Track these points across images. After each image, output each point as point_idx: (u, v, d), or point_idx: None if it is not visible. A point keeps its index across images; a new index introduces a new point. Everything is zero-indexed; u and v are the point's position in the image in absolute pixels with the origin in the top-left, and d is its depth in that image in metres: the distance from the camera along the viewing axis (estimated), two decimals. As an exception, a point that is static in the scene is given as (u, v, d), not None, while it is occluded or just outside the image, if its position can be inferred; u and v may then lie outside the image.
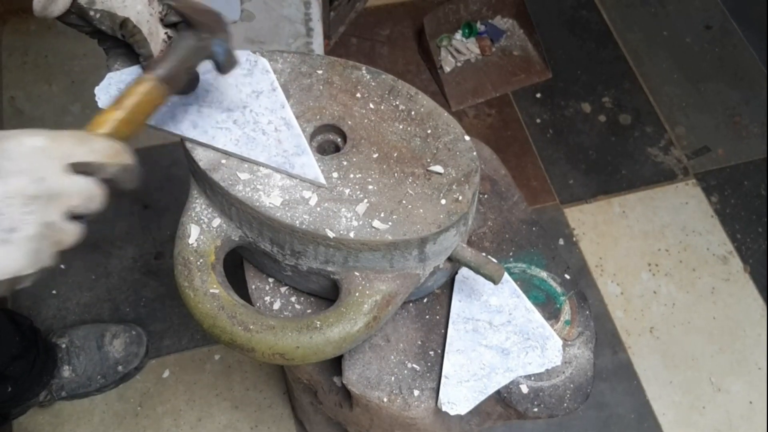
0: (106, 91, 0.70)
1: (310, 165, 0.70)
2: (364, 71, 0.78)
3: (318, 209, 0.67)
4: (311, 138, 0.73)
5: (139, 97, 0.58)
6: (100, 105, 0.69)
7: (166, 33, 0.67)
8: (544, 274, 0.83)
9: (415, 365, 0.76)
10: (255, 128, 0.72)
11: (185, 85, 0.67)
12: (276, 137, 0.71)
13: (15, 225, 0.45)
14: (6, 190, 0.45)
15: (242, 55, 0.75)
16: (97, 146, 0.51)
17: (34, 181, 0.46)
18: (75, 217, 0.50)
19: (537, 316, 0.78)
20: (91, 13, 0.63)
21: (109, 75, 0.71)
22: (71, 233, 0.50)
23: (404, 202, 0.68)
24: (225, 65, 0.66)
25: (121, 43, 0.68)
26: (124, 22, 0.63)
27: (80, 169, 0.49)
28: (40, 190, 0.47)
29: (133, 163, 0.53)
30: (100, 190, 0.51)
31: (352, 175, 0.70)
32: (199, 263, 0.68)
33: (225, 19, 0.65)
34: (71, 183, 0.48)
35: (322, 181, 0.69)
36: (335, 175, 0.70)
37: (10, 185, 0.45)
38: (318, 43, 1.73)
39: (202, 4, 0.64)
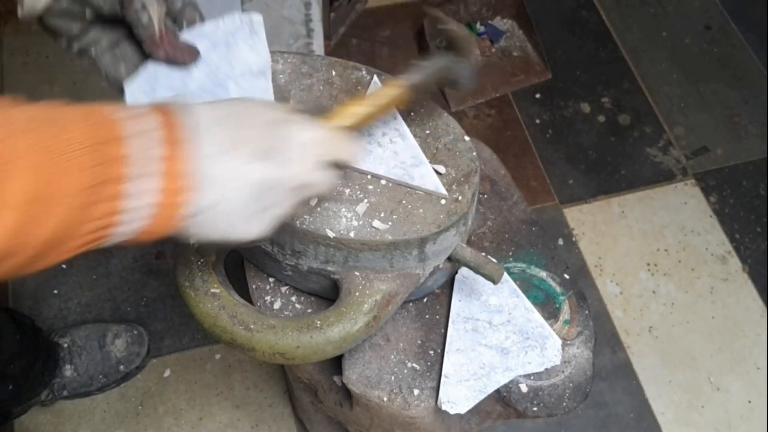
0: (134, 91, 0.69)
1: (429, 176, 0.69)
2: (364, 72, 0.79)
3: (318, 209, 0.67)
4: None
5: (388, 99, 0.64)
6: (128, 99, 0.69)
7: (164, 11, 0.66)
8: (543, 274, 0.83)
9: (415, 364, 0.76)
10: (370, 141, 0.71)
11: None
12: (392, 149, 0.71)
13: (269, 205, 0.51)
14: (278, 176, 0.50)
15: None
16: (350, 151, 0.57)
17: (302, 173, 0.52)
18: None
19: (536, 315, 0.78)
20: None
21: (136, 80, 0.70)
22: (300, 212, 0.62)
23: (404, 202, 0.69)
24: (463, 86, 0.70)
25: (113, 31, 0.67)
26: None
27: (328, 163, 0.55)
28: (303, 181, 0.52)
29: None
30: (336, 181, 0.57)
31: (352, 175, 0.71)
32: (199, 263, 0.68)
33: (475, 44, 0.69)
34: (324, 176, 0.54)
35: (443, 191, 0.69)
36: (336, 175, 0.70)
37: (283, 174, 0.51)
38: (318, 44, 1.73)
39: (464, 31, 0.67)
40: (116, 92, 0.70)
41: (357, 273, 0.68)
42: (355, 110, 0.61)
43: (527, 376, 0.76)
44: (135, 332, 1.39)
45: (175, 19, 0.69)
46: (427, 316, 0.80)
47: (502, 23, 1.95)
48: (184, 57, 0.70)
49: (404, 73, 0.65)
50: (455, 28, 0.66)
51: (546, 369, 0.76)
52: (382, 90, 0.64)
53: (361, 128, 0.62)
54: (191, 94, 0.70)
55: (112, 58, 0.68)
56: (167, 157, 0.45)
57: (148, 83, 0.69)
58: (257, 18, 0.74)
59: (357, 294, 0.67)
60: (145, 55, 0.69)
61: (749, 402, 1.48)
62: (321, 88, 0.77)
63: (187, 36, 0.71)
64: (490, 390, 0.74)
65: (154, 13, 0.65)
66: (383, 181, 0.70)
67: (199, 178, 0.46)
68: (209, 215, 0.48)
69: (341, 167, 0.57)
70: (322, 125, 0.56)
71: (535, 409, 0.75)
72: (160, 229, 0.46)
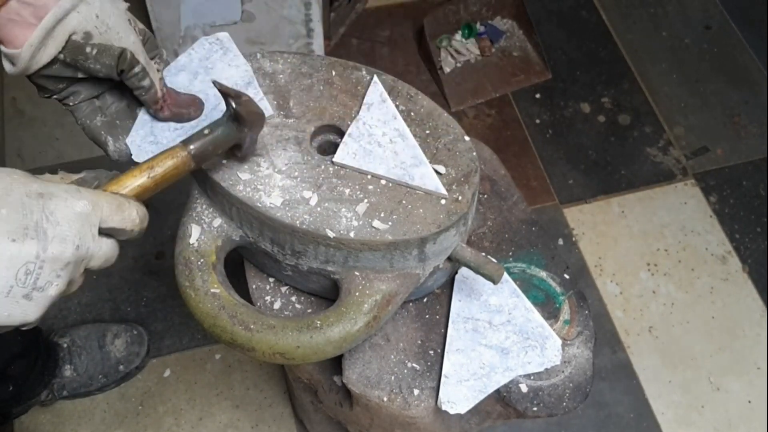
0: (137, 145, 0.70)
1: (429, 176, 0.70)
2: (364, 72, 0.79)
3: (318, 209, 0.67)
4: (312, 138, 0.73)
5: (168, 169, 0.60)
6: (134, 158, 0.69)
7: (156, 64, 0.66)
8: (543, 274, 0.83)
9: (415, 364, 0.76)
10: (371, 141, 0.72)
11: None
12: (392, 149, 0.71)
13: (42, 285, 0.47)
14: (45, 255, 0.47)
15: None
16: (128, 214, 0.54)
17: (73, 248, 0.48)
18: None
19: (536, 315, 0.78)
20: (88, 49, 0.59)
21: (134, 133, 0.70)
22: (79, 284, 0.53)
23: (404, 202, 0.69)
24: (245, 154, 0.68)
25: (94, 86, 0.66)
26: (123, 54, 0.61)
27: (107, 231, 0.53)
28: (76, 256, 0.49)
29: (146, 225, 0.56)
30: (117, 250, 0.54)
31: (352, 175, 0.71)
32: (199, 263, 0.68)
33: (266, 117, 0.67)
34: (99, 247, 0.52)
35: (443, 191, 0.69)
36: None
37: (50, 251, 0.47)
38: (318, 44, 1.73)
39: (255, 104, 0.64)
40: (92, 142, 0.70)
41: (357, 273, 0.68)
42: (130, 182, 0.58)
43: (527, 376, 0.76)
44: (135, 332, 1.39)
45: None
46: (427, 316, 0.80)
47: (502, 23, 1.95)
48: (190, 112, 0.70)
49: (185, 141, 0.62)
50: (244, 100, 0.62)
51: (546, 369, 0.76)
52: (160, 159, 0.61)
53: (143, 198, 0.59)
54: (191, 127, 0.70)
55: (90, 110, 0.68)
56: None
57: (150, 131, 0.70)
58: (224, 36, 0.76)
59: (357, 294, 0.67)
60: (123, 106, 0.70)
61: (749, 402, 1.48)
62: (321, 88, 0.77)
63: (165, 74, 0.71)
64: (490, 390, 0.74)
65: (155, 76, 0.66)
66: (383, 181, 0.70)
67: None
68: None
69: (121, 235, 0.54)
70: (95, 193, 0.53)
71: (535, 409, 0.75)
72: None
